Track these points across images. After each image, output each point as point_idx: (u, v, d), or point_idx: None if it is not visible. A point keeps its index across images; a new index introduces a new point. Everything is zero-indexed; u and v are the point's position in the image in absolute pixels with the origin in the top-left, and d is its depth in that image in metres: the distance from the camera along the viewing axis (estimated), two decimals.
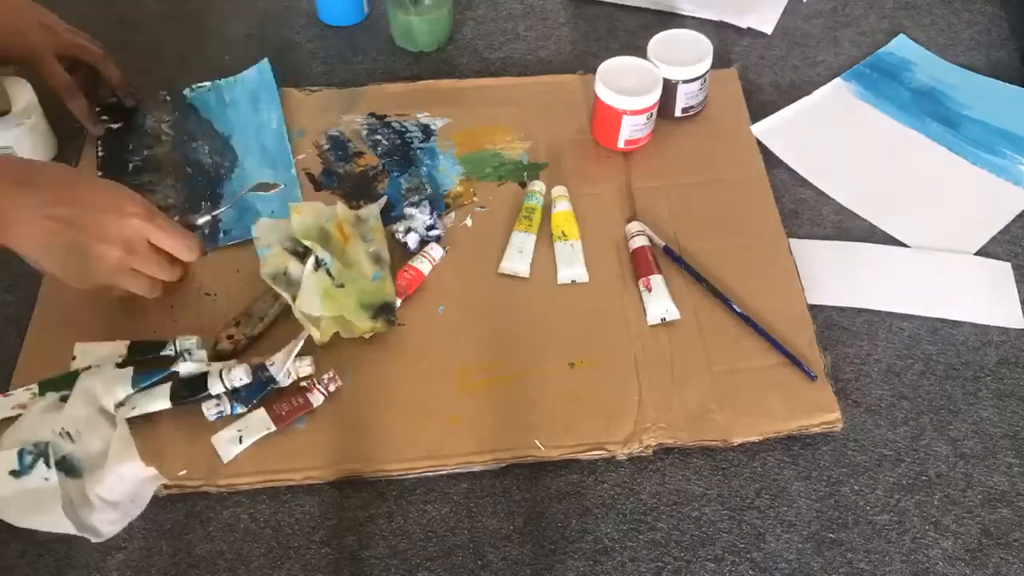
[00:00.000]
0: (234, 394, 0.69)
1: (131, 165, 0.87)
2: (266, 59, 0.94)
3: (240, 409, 0.69)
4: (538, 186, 0.84)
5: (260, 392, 0.70)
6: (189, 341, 0.73)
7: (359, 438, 0.70)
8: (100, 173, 0.86)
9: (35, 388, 0.70)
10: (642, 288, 0.77)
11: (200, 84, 0.94)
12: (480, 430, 0.70)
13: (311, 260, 0.75)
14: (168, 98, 0.92)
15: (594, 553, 0.66)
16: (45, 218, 0.66)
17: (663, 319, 0.76)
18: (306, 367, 0.72)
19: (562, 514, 0.67)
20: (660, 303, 0.76)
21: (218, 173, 0.86)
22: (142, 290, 0.72)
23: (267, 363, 0.71)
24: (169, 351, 0.72)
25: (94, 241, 0.67)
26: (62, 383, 0.70)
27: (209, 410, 0.69)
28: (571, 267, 0.79)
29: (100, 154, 0.88)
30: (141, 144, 0.88)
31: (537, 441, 0.69)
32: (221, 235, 0.82)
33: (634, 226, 0.81)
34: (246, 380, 0.70)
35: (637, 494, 0.68)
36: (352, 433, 0.70)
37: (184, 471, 0.68)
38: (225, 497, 0.68)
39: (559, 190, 0.84)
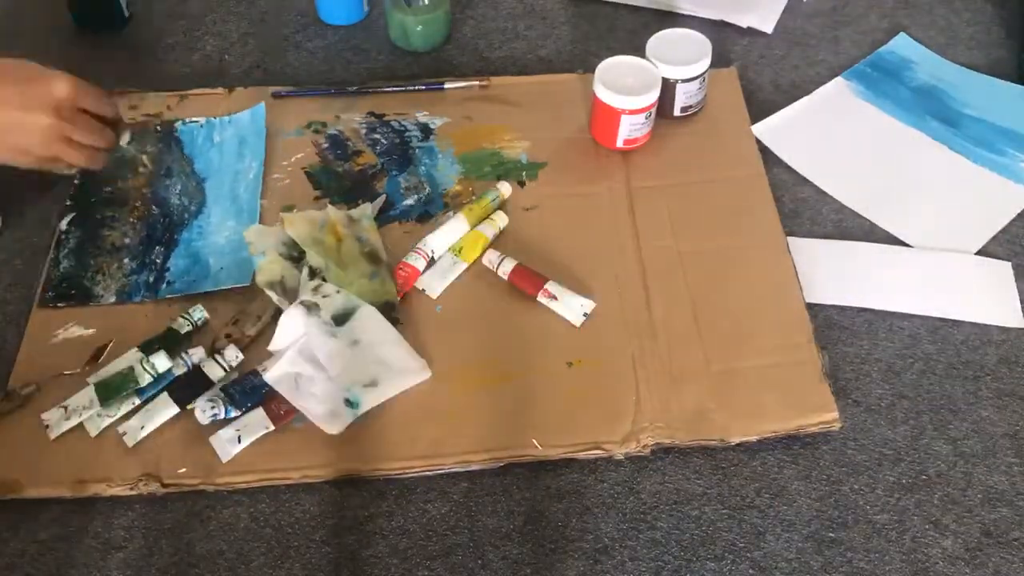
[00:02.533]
0: (229, 398, 0.69)
1: (102, 195, 0.85)
2: (262, 103, 0.91)
3: (234, 412, 0.69)
4: (504, 188, 0.84)
5: (254, 398, 0.70)
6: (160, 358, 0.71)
7: (358, 437, 0.70)
8: (69, 202, 0.84)
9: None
10: (545, 300, 0.76)
11: (194, 119, 0.91)
12: (478, 429, 0.70)
13: (305, 271, 0.75)
14: (159, 128, 0.90)
15: (594, 552, 0.66)
16: None
17: (585, 314, 0.75)
18: None
19: (562, 513, 0.67)
20: (573, 302, 0.75)
21: (181, 218, 0.83)
22: (83, 160, 0.74)
23: (259, 368, 0.71)
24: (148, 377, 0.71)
25: (23, 112, 0.70)
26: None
27: (204, 412, 0.69)
28: (438, 281, 0.78)
29: (76, 180, 0.86)
30: (116, 174, 0.86)
31: (535, 440, 0.69)
32: (164, 286, 0.78)
33: (492, 254, 0.79)
34: (241, 357, 0.71)
35: (637, 493, 0.68)
36: (351, 432, 0.70)
37: (184, 469, 0.68)
38: (225, 496, 0.68)
39: (500, 215, 0.82)
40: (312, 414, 0.69)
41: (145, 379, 0.70)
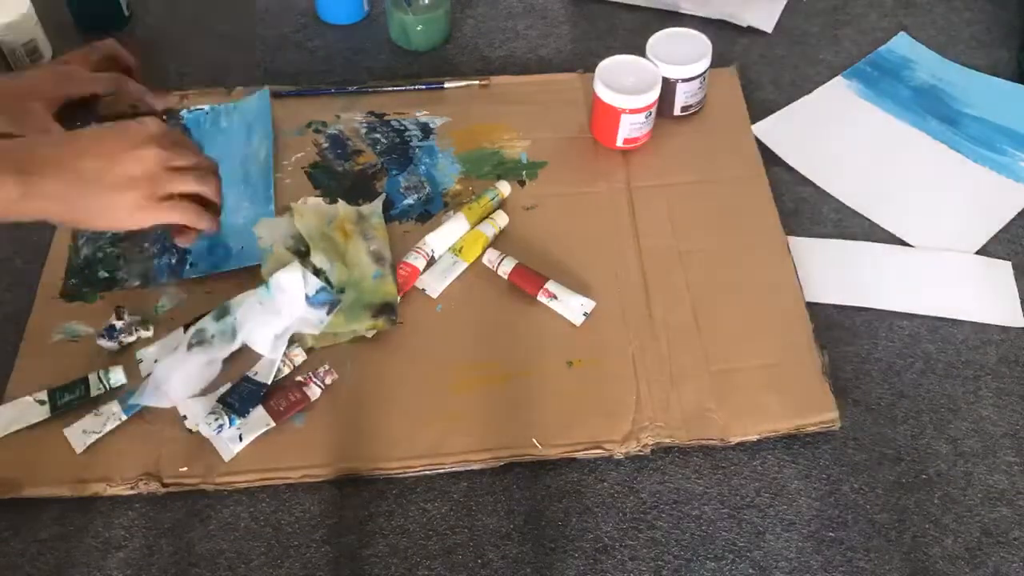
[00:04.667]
0: (229, 407, 0.69)
1: None
2: (266, 87, 0.92)
3: (238, 421, 0.69)
4: (504, 187, 0.84)
5: (254, 401, 0.70)
6: (117, 373, 0.72)
7: (358, 436, 0.70)
8: None
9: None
10: (545, 300, 0.76)
11: (199, 107, 0.92)
12: (478, 428, 0.70)
13: (308, 270, 0.75)
14: (164, 118, 0.90)
15: (594, 552, 0.66)
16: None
17: (585, 313, 0.75)
18: (299, 356, 0.73)
19: (562, 513, 0.67)
20: (573, 302, 0.75)
21: None
22: (189, 218, 0.69)
23: (250, 373, 0.71)
24: (99, 389, 0.71)
25: (104, 190, 0.64)
26: None
27: (209, 425, 0.69)
28: (438, 280, 0.78)
29: None
30: None
31: (534, 440, 0.69)
32: (187, 267, 0.79)
33: (492, 253, 0.79)
34: (123, 380, 0.71)
35: (637, 493, 0.68)
36: (351, 431, 0.70)
37: (184, 468, 0.68)
38: (225, 495, 0.68)
39: (501, 214, 0.82)
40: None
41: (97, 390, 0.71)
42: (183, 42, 1.01)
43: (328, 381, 0.72)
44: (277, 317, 0.73)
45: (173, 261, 0.80)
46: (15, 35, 0.93)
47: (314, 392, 0.71)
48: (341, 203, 0.82)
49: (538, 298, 0.76)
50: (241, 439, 0.69)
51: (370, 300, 0.75)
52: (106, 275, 0.79)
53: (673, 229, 0.82)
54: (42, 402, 0.70)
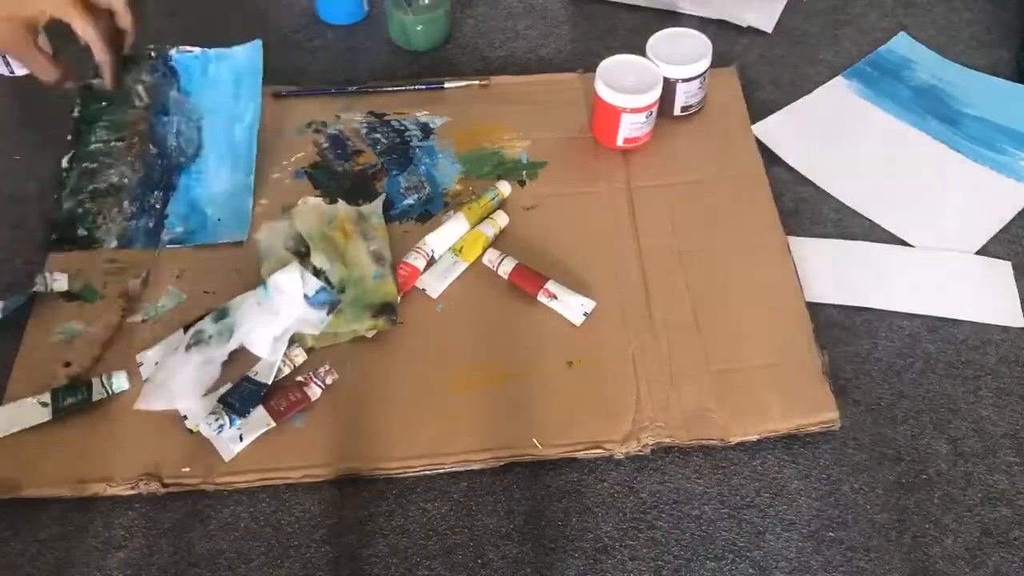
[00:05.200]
0: (229, 407, 0.69)
1: (100, 127, 0.84)
2: (259, 40, 0.89)
3: (239, 421, 0.69)
4: (504, 187, 0.84)
5: (254, 401, 0.70)
6: (120, 379, 0.72)
7: (358, 436, 0.70)
8: (69, 137, 0.85)
9: None
10: (545, 300, 0.76)
11: (189, 48, 0.88)
12: (478, 428, 0.70)
13: (308, 271, 0.75)
14: (153, 54, 0.87)
15: (594, 552, 0.66)
16: None
17: (585, 313, 0.75)
18: (299, 356, 0.73)
19: (562, 512, 0.67)
20: (573, 301, 0.75)
21: (178, 161, 0.84)
22: (92, 35, 0.74)
23: (251, 373, 0.71)
24: (101, 394, 0.71)
25: None
26: None
27: (210, 426, 0.69)
28: (438, 281, 0.78)
29: (75, 113, 0.86)
30: (117, 105, 0.85)
31: (535, 440, 0.69)
32: (164, 238, 0.80)
33: (492, 253, 0.79)
34: (125, 386, 0.71)
35: (637, 493, 0.68)
36: (351, 431, 0.70)
37: (187, 469, 0.68)
38: (225, 495, 0.68)
39: (501, 214, 0.82)
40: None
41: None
42: (183, 40, 1.01)
43: (328, 381, 0.72)
44: (276, 318, 0.73)
45: (151, 224, 0.80)
46: None
47: (314, 392, 0.71)
48: (341, 203, 0.82)
49: (538, 298, 0.76)
50: (241, 439, 0.69)
51: (371, 300, 0.75)
52: (84, 233, 0.80)
53: (673, 229, 0.82)
54: (44, 404, 0.70)
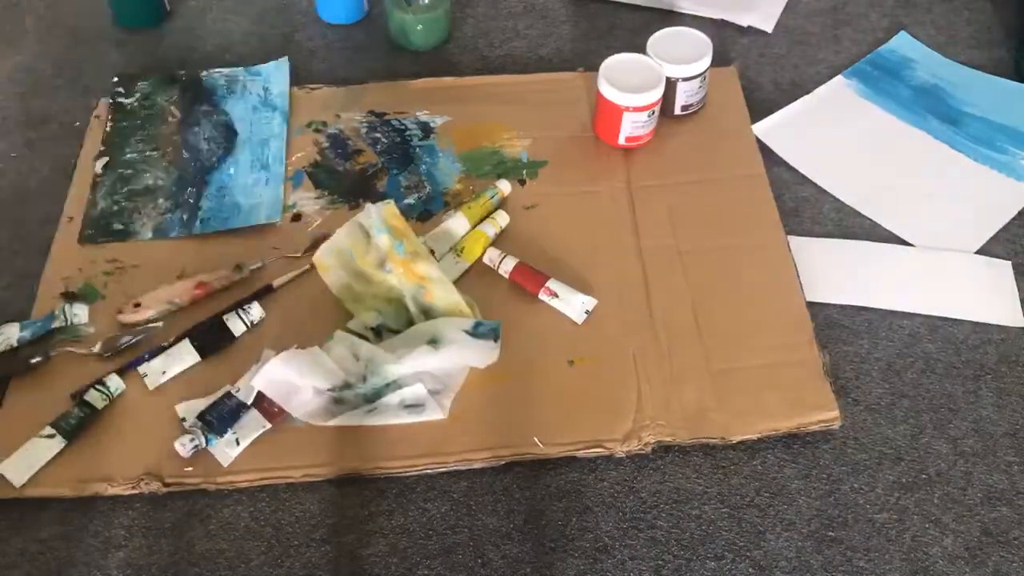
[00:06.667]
0: (207, 425, 0.68)
1: (135, 142, 0.89)
2: (286, 58, 0.96)
3: (216, 440, 0.69)
4: (504, 186, 0.84)
5: (233, 420, 0.69)
6: (114, 381, 0.71)
7: (359, 435, 0.70)
8: (102, 147, 0.88)
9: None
10: (546, 298, 0.76)
11: (218, 70, 0.95)
12: (479, 427, 0.70)
13: (369, 334, 0.73)
14: (183, 76, 0.94)
15: (594, 551, 0.66)
16: None
17: (587, 311, 0.76)
18: None
19: (562, 512, 0.67)
20: (574, 300, 0.76)
21: (211, 161, 0.88)
22: None
23: (232, 390, 0.71)
24: (104, 401, 0.71)
25: None
26: None
27: (184, 447, 0.68)
28: (445, 289, 0.76)
29: (108, 128, 0.90)
30: (149, 121, 0.91)
31: (536, 438, 0.69)
32: (198, 223, 0.83)
33: (493, 252, 0.79)
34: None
35: (637, 492, 0.68)
36: (352, 430, 0.70)
37: (189, 468, 0.68)
38: (225, 495, 0.68)
39: (501, 214, 0.82)
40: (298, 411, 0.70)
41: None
42: (184, 39, 1.01)
43: None
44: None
45: (185, 217, 0.83)
46: None
47: None
48: (339, 231, 0.77)
49: (540, 296, 0.76)
50: (238, 443, 0.68)
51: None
52: (120, 227, 0.82)
53: (674, 229, 0.82)
54: (51, 436, 0.69)
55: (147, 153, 0.88)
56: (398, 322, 0.74)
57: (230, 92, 0.93)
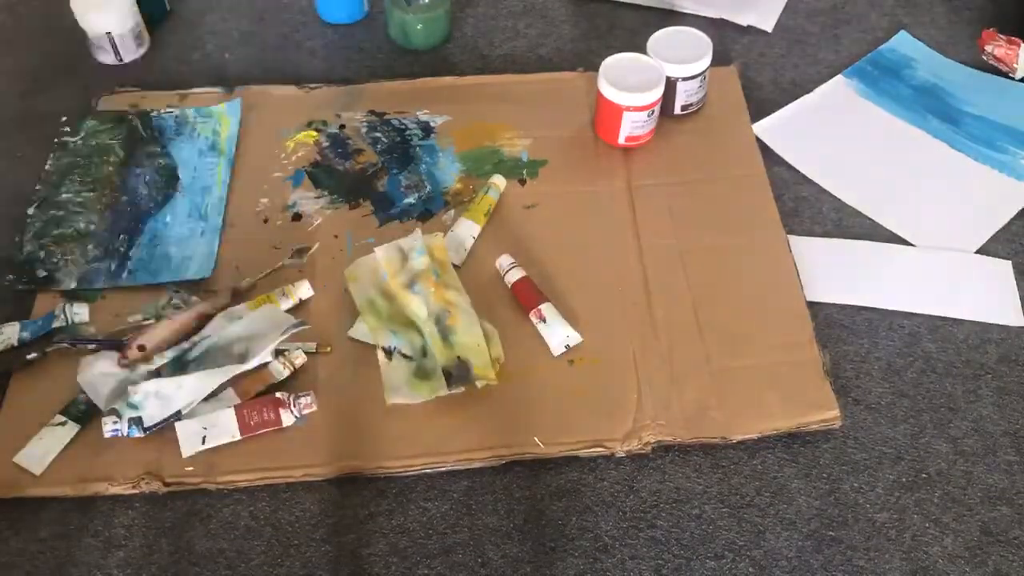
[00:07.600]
0: (134, 419, 0.68)
1: (73, 180, 0.85)
2: (239, 98, 0.92)
3: (137, 433, 0.68)
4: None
5: (160, 424, 0.69)
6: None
7: (359, 435, 0.70)
8: (38, 187, 0.84)
9: None
10: (535, 320, 0.75)
11: (169, 109, 0.91)
12: (480, 427, 0.70)
13: (380, 352, 0.73)
14: (131, 117, 0.90)
15: (594, 551, 0.66)
16: None
17: (567, 346, 0.74)
18: (300, 359, 0.72)
19: (562, 512, 0.67)
20: (559, 331, 0.74)
21: (148, 207, 0.84)
22: None
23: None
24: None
25: None
26: None
27: (106, 426, 0.68)
28: (454, 252, 0.79)
29: (48, 167, 0.86)
30: (90, 161, 0.87)
31: (536, 438, 0.69)
32: (125, 274, 0.79)
33: (505, 259, 0.79)
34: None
35: (637, 492, 0.68)
36: (352, 430, 0.70)
37: (190, 468, 0.68)
38: (225, 495, 0.68)
39: (498, 177, 0.84)
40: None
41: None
42: (183, 41, 1.01)
43: (306, 412, 0.70)
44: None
45: (112, 267, 0.79)
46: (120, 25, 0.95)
47: (288, 419, 0.70)
48: (378, 249, 0.78)
49: (529, 316, 0.75)
50: (204, 442, 0.68)
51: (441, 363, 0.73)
52: (44, 274, 0.79)
53: (674, 228, 0.82)
54: (62, 423, 0.69)
55: (83, 194, 0.84)
56: (411, 348, 0.74)
57: (178, 134, 0.90)
